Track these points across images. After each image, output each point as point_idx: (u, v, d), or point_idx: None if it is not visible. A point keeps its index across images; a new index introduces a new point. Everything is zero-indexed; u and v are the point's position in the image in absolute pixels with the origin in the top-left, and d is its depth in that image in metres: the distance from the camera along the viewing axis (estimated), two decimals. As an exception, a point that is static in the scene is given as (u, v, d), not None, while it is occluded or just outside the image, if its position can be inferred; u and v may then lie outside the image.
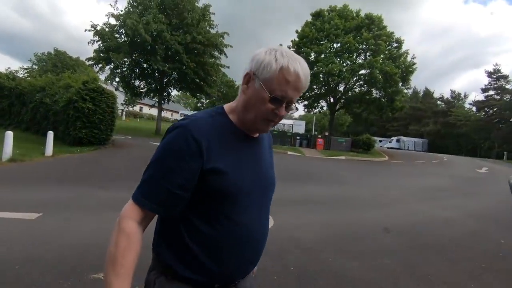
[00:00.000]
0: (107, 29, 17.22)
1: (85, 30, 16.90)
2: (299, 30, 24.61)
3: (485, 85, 41.04)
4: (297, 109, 0.91)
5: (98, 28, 16.92)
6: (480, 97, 42.21)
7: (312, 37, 23.18)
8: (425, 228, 4.79)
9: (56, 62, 35.36)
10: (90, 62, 17.98)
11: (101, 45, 17.19)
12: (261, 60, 0.83)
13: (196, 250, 0.83)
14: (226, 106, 0.93)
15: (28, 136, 12.60)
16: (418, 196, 7.55)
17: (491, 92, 40.52)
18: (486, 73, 40.79)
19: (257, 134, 0.96)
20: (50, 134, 9.13)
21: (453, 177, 12.37)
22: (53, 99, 11.95)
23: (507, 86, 38.69)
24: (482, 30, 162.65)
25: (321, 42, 23.37)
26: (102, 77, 17.27)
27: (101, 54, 17.31)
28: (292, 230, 4.08)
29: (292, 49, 25.27)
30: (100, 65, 17.61)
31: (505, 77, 39.08)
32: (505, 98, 38.00)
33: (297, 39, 24.70)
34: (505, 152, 33.24)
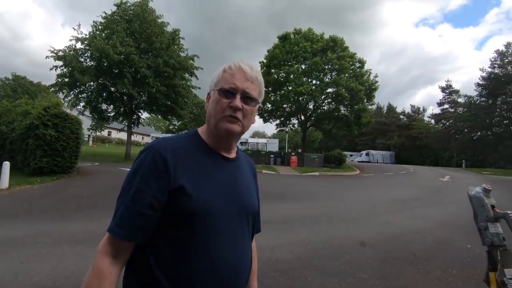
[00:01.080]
0: (71, 53, 16.64)
1: (46, 57, 16.17)
2: (269, 50, 25.47)
3: (440, 99, 44.77)
4: (258, 102, 0.91)
5: (60, 53, 16.28)
6: (437, 110, 45.81)
7: (281, 58, 24.09)
8: (397, 239, 4.91)
9: (15, 88, 33.35)
10: (53, 89, 17.14)
11: (64, 69, 16.51)
12: (212, 77, 0.92)
13: (163, 283, 0.76)
14: (200, 129, 0.94)
15: (-20, 168, 11.54)
16: (389, 207, 7.79)
17: (446, 106, 44.17)
18: (440, 88, 44.64)
19: (234, 155, 0.95)
20: (6, 165, 8.44)
21: (419, 186, 13.00)
22: (10, 127, 11.16)
23: (459, 100, 42.44)
24: (433, 50, 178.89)
25: (289, 64, 24.31)
26: (65, 102, 16.40)
27: (65, 79, 16.60)
28: (270, 251, 4.00)
29: (261, 70, 26.00)
30: (64, 91, 16.81)
31: (457, 91, 42.98)
32: (458, 111, 41.50)
33: (265, 60, 25.52)
34: (463, 161, 35.87)
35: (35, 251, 3.78)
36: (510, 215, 1.07)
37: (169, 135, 1.07)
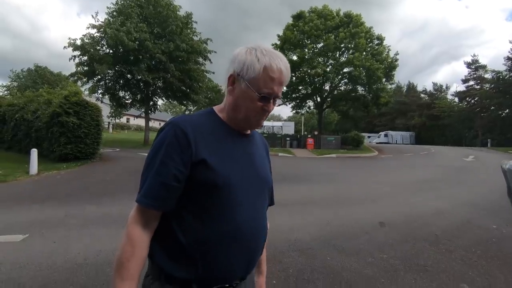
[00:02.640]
0: (87, 41, 16.89)
1: (64, 47, 16.48)
2: (280, 34, 24.79)
3: (465, 76, 42.28)
4: (281, 99, 0.93)
5: (78, 42, 16.55)
6: (461, 88, 43.46)
7: (294, 40, 23.39)
8: (418, 220, 4.83)
9: (36, 78, 34.44)
10: (73, 78, 17.57)
11: (83, 58, 16.85)
12: (243, 61, 0.86)
13: (188, 248, 0.82)
14: (216, 107, 0.97)
15: (10, 155, 12.21)
16: (409, 188, 7.64)
17: (471, 83, 41.77)
18: (465, 64, 42.08)
19: (249, 132, 0.98)
20: (34, 152, 8.85)
21: (441, 167, 12.61)
22: (35, 115, 11.63)
23: (486, 76, 39.96)
24: (458, 24, 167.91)
25: (303, 44, 23.59)
26: (85, 89, 16.86)
27: (84, 68, 16.96)
28: (288, 232, 4.05)
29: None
30: (84, 80, 17.24)
31: (483, 67, 40.36)
32: (484, 87, 39.22)
33: (278, 42, 24.87)
34: (488, 140, 34.25)
35: (66, 232, 4.01)
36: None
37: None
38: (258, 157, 0.97)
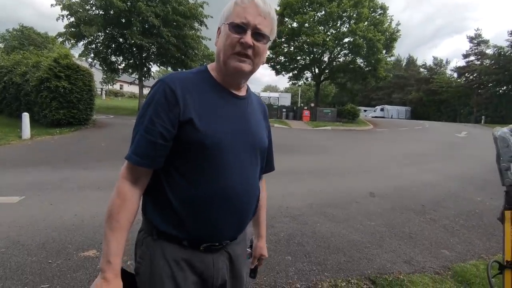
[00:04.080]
0: (74, 0, 15.89)
1: (51, 5, 15.53)
2: (282, -2, 23.61)
3: (466, 50, 41.48)
4: (263, 33, 0.85)
5: (65, 1, 15.56)
6: (462, 63, 42.79)
7: (296, 6, 22.36)
8: (407, 191, 4.99)
9: (22, 40, 32.85)
10: (61, 39, 16.77)
11: (71, 19, 15.95)
12: (223, 11, 0.88)
13: (176, 205, 0.83)
14: (210, 65, 0.94)
15: (1, 119, 11.99)
16: (401, 161, 7.80)
17: (472, 58, 41.02)
18: (467, 38, 41.09)
19: (244, 93, 0.95)
20: (26, 116, 8.70)
21: (434, 142, 12.80)
22: (24, 79, 11.26)
23: (487, 51, 39.26)
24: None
25: (305, 11, 22.60)
26: (75, 54, 16.18)
27: (72, 29, 16.12)
28: (280, 199, 4.17)
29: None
30: (72, 41, 16.46)
31: (486, 41, 39.49)
32: (484, 63, 38.70)
33: (278, 8, 23.77)
34: (483, 117, 34.51)
35: (62, 195, 4.07)
36: (536, 155, 1.03)
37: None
38: (250, 119, 0.94)
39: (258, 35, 0.84)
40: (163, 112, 0.80)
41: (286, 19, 22.68)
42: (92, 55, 17.81)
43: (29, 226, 3.04)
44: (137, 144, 0.82)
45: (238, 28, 0.82)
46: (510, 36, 34.60)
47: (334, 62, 25.37)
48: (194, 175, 0.83)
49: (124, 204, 0.81)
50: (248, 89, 0.99)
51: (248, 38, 0.82)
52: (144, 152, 0.81)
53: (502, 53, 35.78)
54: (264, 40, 0.85)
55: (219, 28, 0.89)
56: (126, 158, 0.83)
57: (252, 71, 0.88)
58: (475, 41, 40.26)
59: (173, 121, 0.81)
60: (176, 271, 0.85)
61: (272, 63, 25.43)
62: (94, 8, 16.56)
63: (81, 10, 15.63)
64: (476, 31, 43.11)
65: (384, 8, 23.37)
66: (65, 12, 15.69)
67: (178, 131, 0.82)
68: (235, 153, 0.86)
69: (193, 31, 18.77)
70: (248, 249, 1.08)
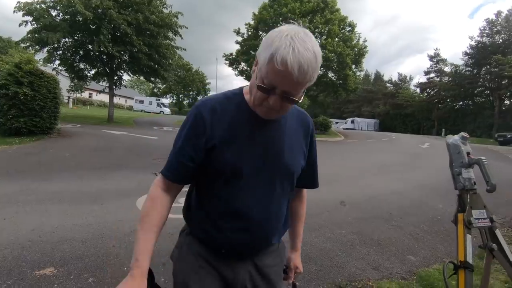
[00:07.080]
0: (38, 6, 15.13)
1: (14, 11, 14.68)
2: (256, 13, 24.20)
3: (427, 68, 44.95)
4: (294, 99, 0.80)
5: (27, 7, 14.75)
6: (424, 79, 46.16)
7: (270, 21, 23.00)
8: (376, 199, 5.18)
9: (-18, 43, 30.73)
10: (24, 45, 15.83)
11: (35, 24, 15.13)
12: (264, 42, 0.79)
13: (200, 214, 0.94)
14: (245, 88, 0.93)
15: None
16: (370, 171, 8.11)
17: (432, 75, 44.52)
18: (428, 57, 44.59)
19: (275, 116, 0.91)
20: (-21, 124, 8.02)
21: (400, 153, 13.49)
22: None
23: (445, 69, 42.76)
24: (426, 18, 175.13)
25: (279, 25, 23.28)
26: (39, 59, 15.26)
27: (36, 35, 15.28)
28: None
29: (248, 33, 24.93)
30: (36, 47, 15.57)
31: (444, 60, 43.09)
32: (443, 80, 42.00)
33: (253, 22, 24.34)
34: (443, 129, 37.12)
35: (18, 208, 3.76)
36: (484, 160, 1.11)
37: (213, 93, 1.09)
38: (281, 142, 0.91)
39: (287, 99, 0.79)
40: (193, 137, 0.88)
41: (260, 32, 23.20)
42: (57, 61, 16.97)
43: (-23, 244, 2.76)
44: (169, 163, 0.92)
45: (264, 89, 0.78)
46: (465, 56, 37.99)
47: (307, 76, 26.16)
48: (213, 196, 0.92)
49: (154, 205, 0.89)
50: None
51: (273, 101, 0.79)
52: (175, 170, 0.91)
53: (458, 70, 39.05)
54: (294, 102, 0.81)
55: (256, 60, 0.83)
56: (161, 172, 0.94)
57: (281, 115, 0.89)
58: (435, 60, 43.75)
59: (200, 147, 0.88)
60: (200, 264, 0.94)
61: (245, 74, 25.78)
62: (61, 14, 15.91)
63: (46, 16, 14.93)
64: (435, 50, 46.99)
65: (352, 26, 24.74)
66: (29, 18, 14.94)
67: (204, 156, 0.88)
68: (255, 178, 0.89)
69: (167, 41, 18.58)
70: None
